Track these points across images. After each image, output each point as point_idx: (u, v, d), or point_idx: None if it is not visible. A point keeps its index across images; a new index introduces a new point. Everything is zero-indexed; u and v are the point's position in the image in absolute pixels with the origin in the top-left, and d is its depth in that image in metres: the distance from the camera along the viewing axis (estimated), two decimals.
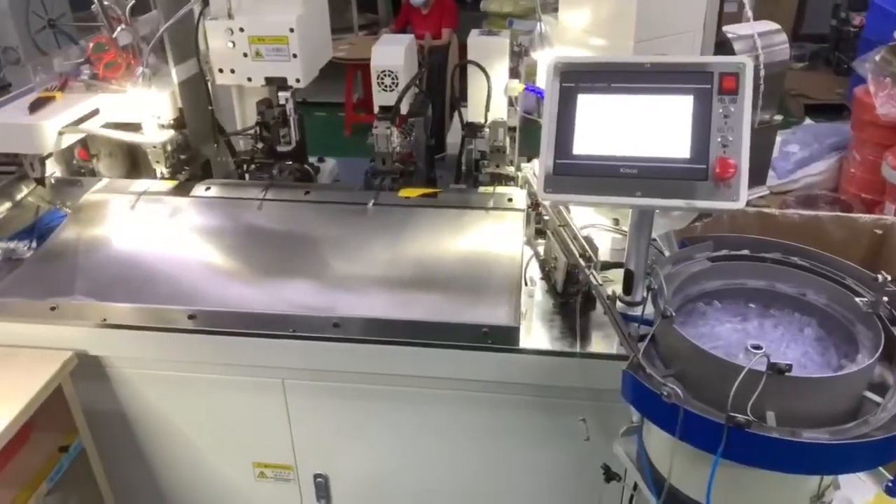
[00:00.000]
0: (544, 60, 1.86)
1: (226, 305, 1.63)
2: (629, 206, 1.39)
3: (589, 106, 1.38)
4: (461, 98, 2.40)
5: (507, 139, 1.96)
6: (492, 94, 1.93)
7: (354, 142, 5.76)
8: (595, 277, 1.49)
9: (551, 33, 1.79)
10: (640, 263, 1.59)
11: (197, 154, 2.15)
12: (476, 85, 1.97)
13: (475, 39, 1.93)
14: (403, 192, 1.94)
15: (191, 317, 1.62)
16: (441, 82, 5.99)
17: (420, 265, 1.72)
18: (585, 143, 1.37)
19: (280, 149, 2.09)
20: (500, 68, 1.94)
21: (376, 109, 2.02)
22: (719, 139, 1.31)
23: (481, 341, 1.56)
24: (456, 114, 2.27)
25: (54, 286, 1.72)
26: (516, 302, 1.59)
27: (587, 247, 1.59)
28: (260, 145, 2.13)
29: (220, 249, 1.80)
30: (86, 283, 1.72)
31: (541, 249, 1.83)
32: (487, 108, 1.95)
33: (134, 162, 2.27)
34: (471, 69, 1.97)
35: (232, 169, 2.26)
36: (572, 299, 1.69)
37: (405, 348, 1.59)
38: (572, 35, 1.83)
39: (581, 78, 1.38)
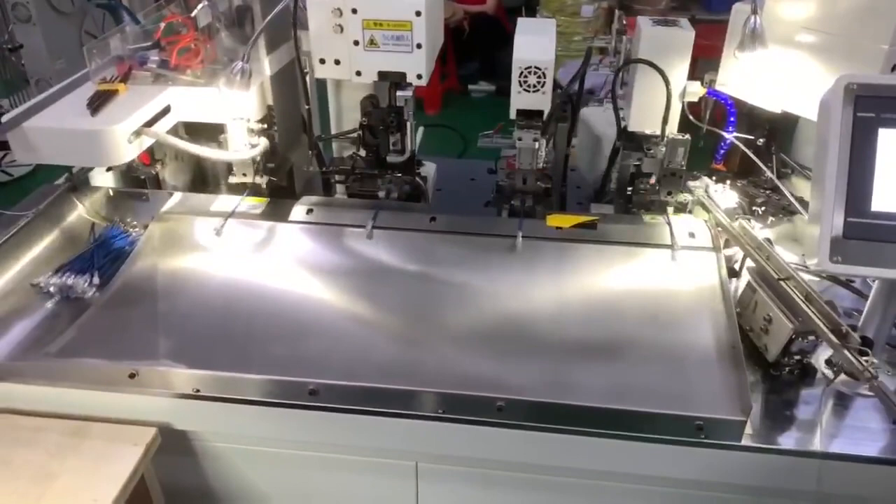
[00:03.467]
0: (751, 63, 1.47)
1: (356, 377, 1.27)
2: None
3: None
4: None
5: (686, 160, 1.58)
6: (671, 103, 1.54)
7: None
8: (867, 368, 1.12)
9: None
10: (882, 333, 1.24)
11: (284, 161, 1.77)
12: (643, 86, 1.58)
13: (650, 31, 1.53)
14: (553, 221, 1.56)
15: (312, 392, 1.26)
16: (495, 64, 5.55)
17: (597, 324, 1.36)
18: (891, 196, 1.00)
19: (390, 159, 1.70)
20: (679, 70, 1.54)
21: (513, 113, 1.63)
22: None
23: (691, 435, 1.21)
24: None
25: (130, 342, 1.35)
26: (740, 384, 1.22)
27: (833, 315, 1.23)
28: (362, 153, 1.74)
29: (338, 296, 1.43)
30: (171, 340, 1.36)
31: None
32: (666, 121, 1.56)
33: (202, 168, 1.89)
34: (636, 66, 1.58)
35: (316, 177, 1.88)
36: (784, 372, 1.34)
37: (588, 439, 1.24)
38: (785, 31, 1.43)
39: (885, 106, 1.00)
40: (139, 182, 1.81)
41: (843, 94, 1.01)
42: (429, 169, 1.97)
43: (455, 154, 4.80)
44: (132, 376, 1.30)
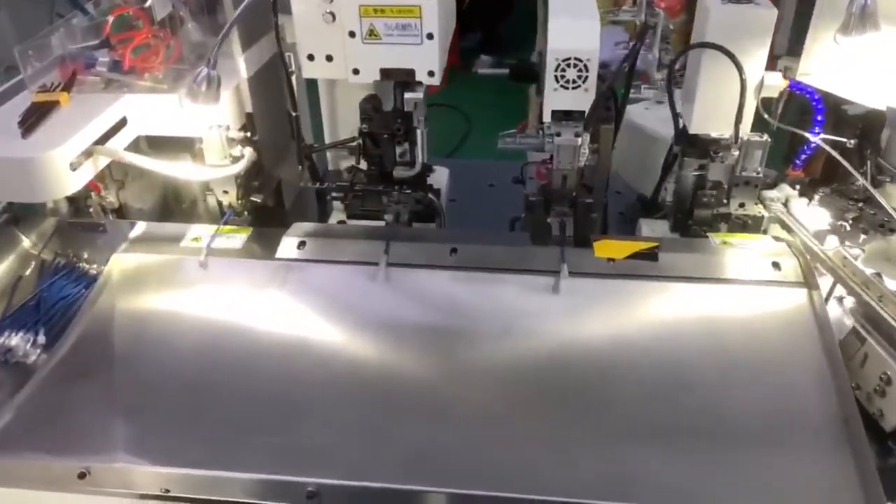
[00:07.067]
0: (854, 49, 1.16)
1: (368, 474, 0.99)
2: None
3: None
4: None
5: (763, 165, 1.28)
6: (746, 98, 1.24)
7: None
8: None
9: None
10: None
11: (270, 178, 1.47)
12: (711, 79, 1.27)
13: (720, 10, 1.22)
14: (602, 250, 1.27)
15: (311, 495, 0.98)
16: (497, 36, 5.18)
17: (666, 396, 1.07)
18: None
19: (398, 174, 1.41)
20: (755, 59, 1.24)
21: (547, 115, 1.33)
22: None
23: None
24: None
25: (82, 430, 1.07)
26: (865, 479, 0.94)
27: None
28: (363, 165, 1.45)
29: (342, 362, 1.14)
30: (133, 426, 1.07)
31: None
32: (739, 119, 1.26)
33: (173, 185, 1.59)
34: (700, 52, 1.28)
35: (308, 192, 1.58)
36: None
37: None
38: None
39: None
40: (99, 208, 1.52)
41: None
42: (440, 176, 1.68)
43: (460, 136, 4.49)
44: (82, 476, 1.02)
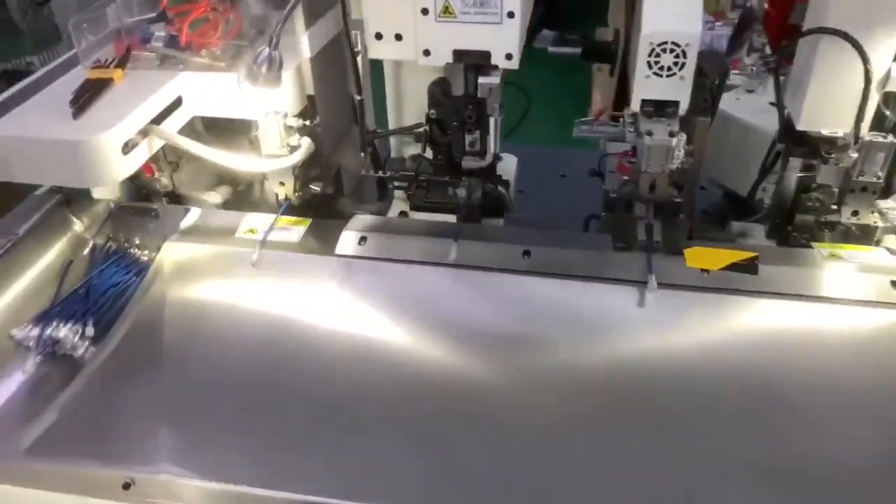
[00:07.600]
0: None
1: (439, 501, 0.90)
2: None
3: None
4: None
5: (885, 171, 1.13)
6: (870, 92, 1.09)
7: None
8: None
9: None
10: None
11: (330, 165, 1.38)
12: (827, 68, 1.12)
13: None
14: (694, 259, 1.14)
15: None
16: (560, 10, 5.02)
17: (772, 432, 0.95)
18: None
19: (466, 164, 1.30)
20: (884, 47, 1.08)
21: (636, 104, 1.19)
22: None
23: None
24: None
25: (127, 435, 1.01)
26: None
27: None
28: (430, 153, 1.34)
29: (406, 373, 1.05)
30: (181, 434, 1.01)
31: None
32: (861, 117, 1.11)
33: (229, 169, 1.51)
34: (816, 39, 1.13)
35: (368, 179, 1.49)
36: None
37: None
38: None
39: None
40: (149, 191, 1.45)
41: None
42: (508, 164, 1.56)
43: (517, 114, 4.34)
44: (127, 486, 0.96)
